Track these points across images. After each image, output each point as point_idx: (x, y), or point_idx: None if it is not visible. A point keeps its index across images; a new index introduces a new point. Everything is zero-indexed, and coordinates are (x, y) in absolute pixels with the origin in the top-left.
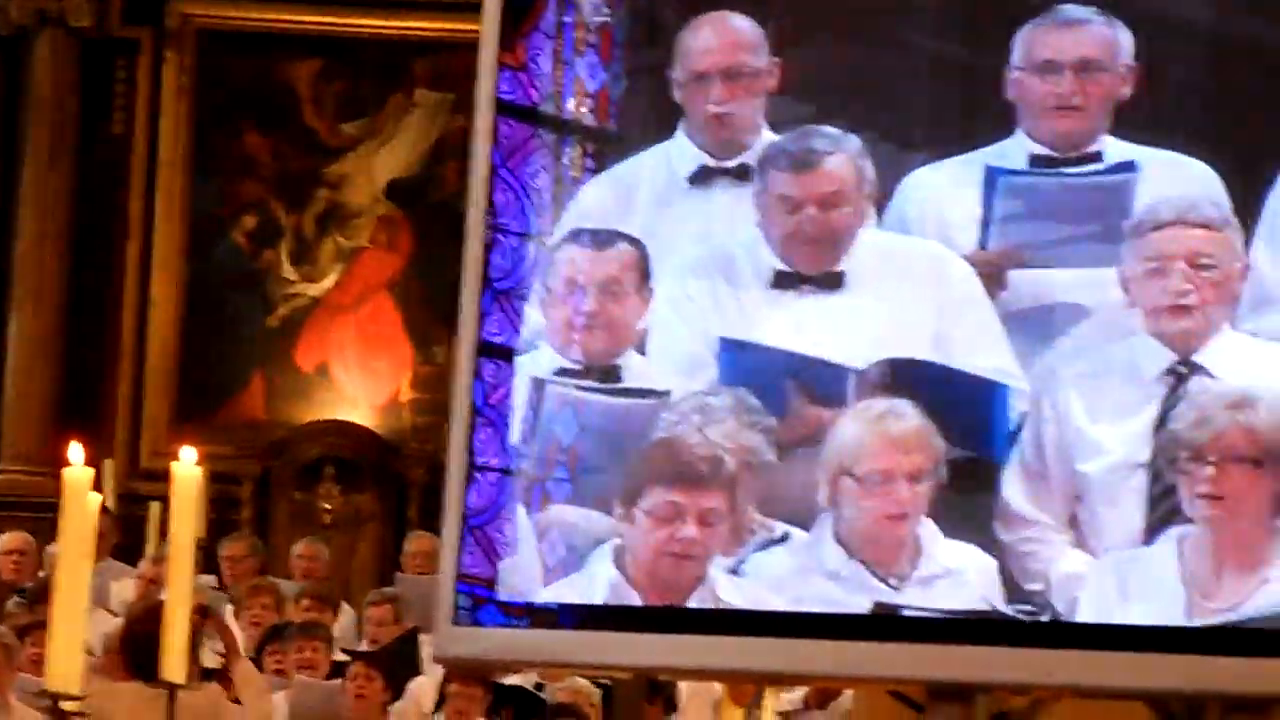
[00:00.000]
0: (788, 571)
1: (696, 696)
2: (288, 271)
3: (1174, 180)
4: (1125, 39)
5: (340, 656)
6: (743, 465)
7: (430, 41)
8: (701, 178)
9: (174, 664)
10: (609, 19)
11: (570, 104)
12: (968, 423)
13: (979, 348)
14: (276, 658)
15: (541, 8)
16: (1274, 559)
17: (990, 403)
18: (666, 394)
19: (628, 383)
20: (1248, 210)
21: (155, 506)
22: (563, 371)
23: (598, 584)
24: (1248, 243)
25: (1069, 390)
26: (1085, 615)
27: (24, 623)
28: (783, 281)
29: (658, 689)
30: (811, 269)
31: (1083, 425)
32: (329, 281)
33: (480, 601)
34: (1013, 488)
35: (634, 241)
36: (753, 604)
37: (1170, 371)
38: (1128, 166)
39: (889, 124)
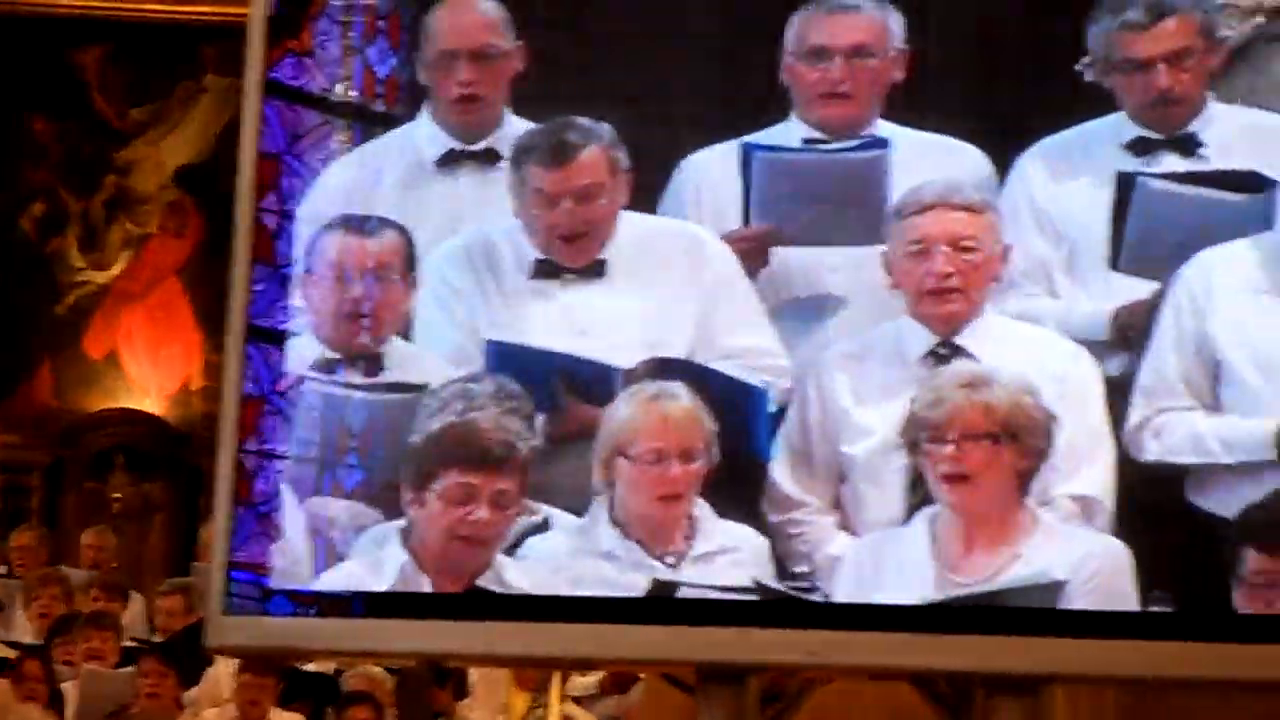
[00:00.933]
0: (564, 554)
1: (485, 681)
2: (76, 259)
3: (943, 164)
4: (896, 23)
5: (131, 644)
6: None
7: (219, 26)
8: (448, 161)
9: None
10: (398, 4)
11: (360, 90)
12: (731, 418)
13: (739, 328)
14: (66, 649)
15: None
16: (1024, 536)
17: (749, 401)
18: (424, 387)
19: (390, 370)
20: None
21: None
22: (326, 361)
23: (386, 568)
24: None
25: (834, 372)
26: (845, 595)
27: None
28: (545, 271)
29: (446, 675)
30: (573, 261)
31: (848, 406)
32: (118, 268)
33: (269, 592)
34: (780, 469)
35: (400, 229)
36: (538, 587)
37: (931, 353)
38: (880, 143)
39: (659, 110)
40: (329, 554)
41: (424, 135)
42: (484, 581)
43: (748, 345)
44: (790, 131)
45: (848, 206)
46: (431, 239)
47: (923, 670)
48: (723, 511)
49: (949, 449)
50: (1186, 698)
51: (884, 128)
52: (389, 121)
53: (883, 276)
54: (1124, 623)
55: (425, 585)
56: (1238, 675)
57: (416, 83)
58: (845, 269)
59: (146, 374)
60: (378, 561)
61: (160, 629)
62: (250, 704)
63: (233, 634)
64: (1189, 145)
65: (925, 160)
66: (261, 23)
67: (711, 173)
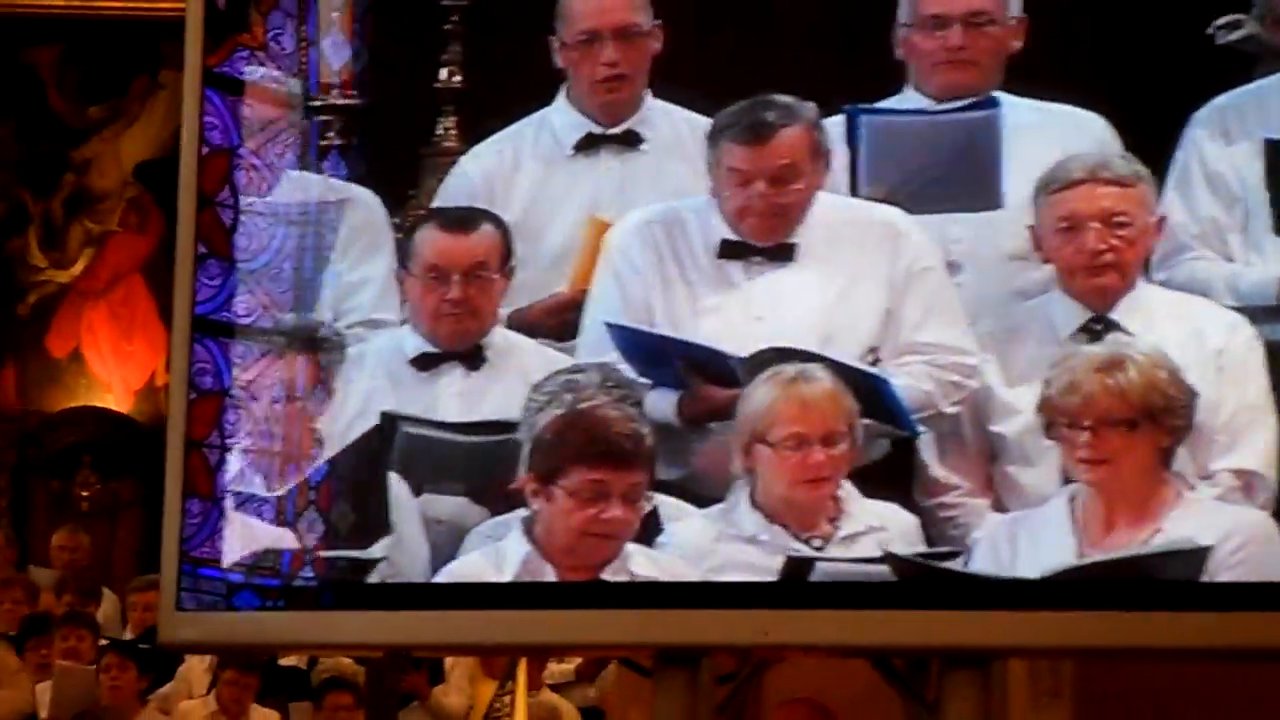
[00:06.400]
0: (706, 540)
1: (461, 666)
2: (36, 258)
3: (1072, 134)
4: None
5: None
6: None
7: (177, 22)
8: (587, 145)
9: None
10: None
11: (317, 83)
12: (873, 401)
13: (929, 323)
14: (42, 652)
15: None
16: (1166, 509)
17: (886, 386)
18: (514, 425)
19: (491, 363)
20: (1158, 162)
21: None
22: (427, 356)
23: (509, 560)
24: (1160, 195)
25: (979, 351)
26: (982, 567)
27: None
28: (732, 251)
29: (421, 660)
30: (762, 242)
31: (994, 385)
32: (79, 267)
33: (234, 587)
34: (928, 452)
35: (497, 221)
36: (668, 575)
37: (1084, 329)
38: (990, 103)
39: (776, 86)
40: (440, 551)
41: (561, 120)
42: (610, 571)
43: (936, 341)
44: (905, 103)
45: (959, 170)
46: (570, 224)
47: (876, 649)
48: (870, 493)
49: (1085, 435)
50: None
51: (1003, 98)
52: (347, 112)
53: (1013, 245)
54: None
55: (549, 575)
56: None
57: (371, 74)
58: (967, 238)
59: (111, 372)
60: (498, 553)
61: (135, 625)
62: (233, 701)
63: (185, 629)
64: None
65: (1047, 130)
66: (199, 19)
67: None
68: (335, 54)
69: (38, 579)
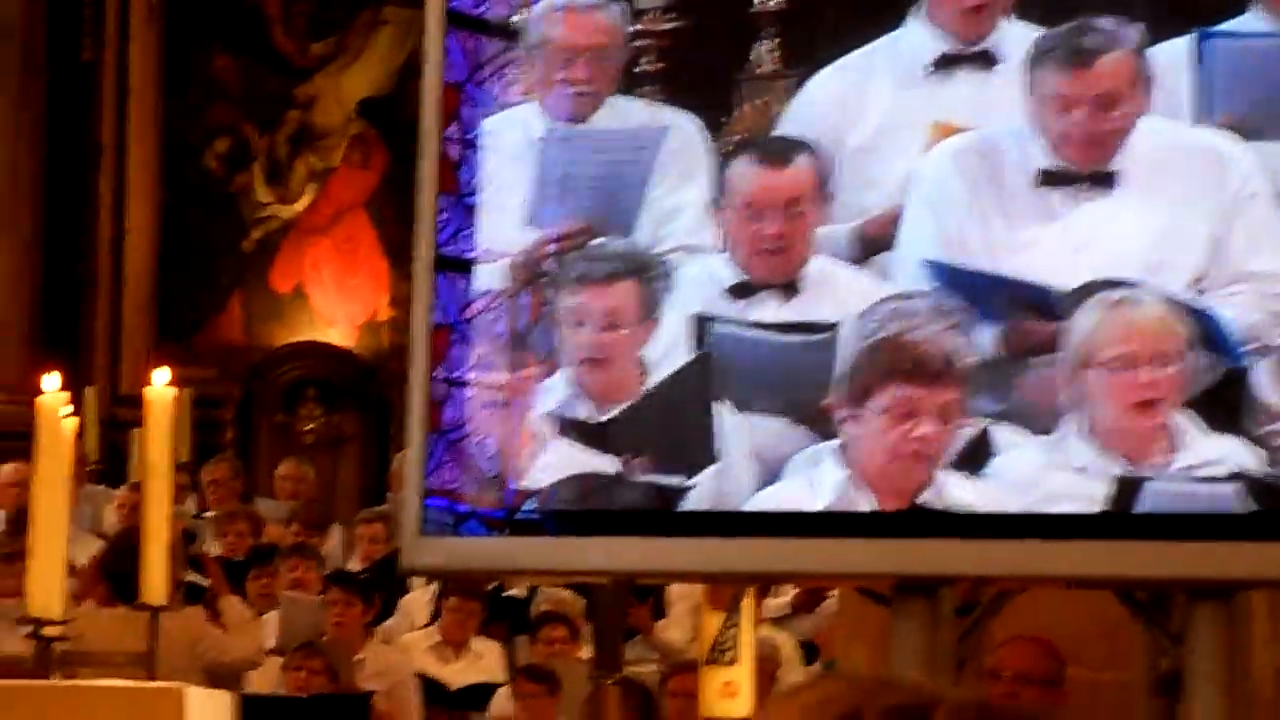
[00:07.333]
0: (1034, 469)
1: (683, 600)
2: (261, 194)
3: None
4: None
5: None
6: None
7: None
8: (943, 64)
9: (154, 587)
10: None
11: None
12: (1201, 327)
13: (1258, 250)
14: (263, 582)
15: None
16: None
17: (1216, 327)
18: (834, 325)
19: (805, 295)
20: None
21: (136, 432)
22: (742, 286)
23: (824, 487)
24: None
25: None
26: None
27: (6, 551)
28: (1052, 179)
29: (646, 593)
30: (1083, 167)
31: None
32: (303, 203)
33: (461, 516)
34: (1260, 376)
35: (812, 150)
36: (988, 505)
37: None
38: None
39: (1109, 8)
40: (763, 475)
41: (914, 40)
42: (926, 498)
43: (1266, 270)
44: (1249, 24)
45: None
46: (920, 145)
47: (1109, 580)
48: (1206, 422)
49: None
50: None
51: None
52: (665, 37)
53: None
54: None
55: (864, 503)
56: None
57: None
58: None
59: (334, 307)
60: (813, 481)
61: (362, 557)
62: (456, 626)
63: (428, 555)
64: None
65: None
66: None
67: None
68: None
69: (263, 511)
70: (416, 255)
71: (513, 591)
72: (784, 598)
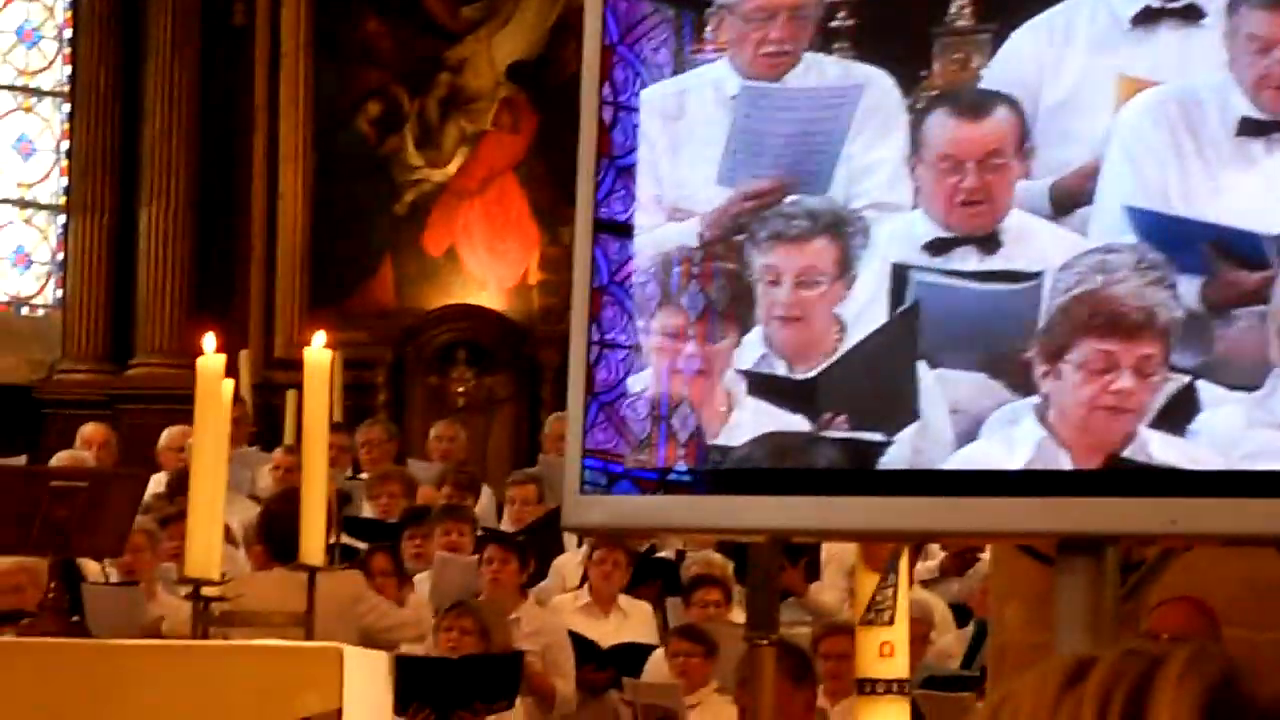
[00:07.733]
0: (1239, 427)
1: (834, 562)
2: (413, 157)
3: None
4: None
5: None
6: (1171, 319)
7: None
8: (1146, 18)
9: (312, 547)
10: None
11: None
12: None
13: None
14: (416, 542)
15: None
16: None
17: None
18: (1039, 274)
19: (1007, 248)
20: None
21: (291, 394)
22: (940, 241)
23: (1021, 446)
24: None
25: None
26: None
27: (166, 513)
28: (1252, 129)
29: (799, 553)
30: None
31: None
32: (454, 166)
33: (614, 477)
34: None
35: (1012, 103)
36: (1191, 462)
37: None
38: None
39: None
40: (962, 432)
41: None
42: (1127, 454)
43: None
44: None
45: None
46: (1116, 100)
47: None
48: None
49: None
50: None
51: None
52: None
53: None
54: None
55: (1064, 461)
56: None
57: None
58: None
59: (485, 269)
60: (1011, 439)
61: (513, 519)
62: (604, 577)
63: (591, 512)
64: None
65: None
66: None
67: None
68: None
69: (415, 473)
70: (578, 217)
71: (663, 554)
72: (933, 561)
